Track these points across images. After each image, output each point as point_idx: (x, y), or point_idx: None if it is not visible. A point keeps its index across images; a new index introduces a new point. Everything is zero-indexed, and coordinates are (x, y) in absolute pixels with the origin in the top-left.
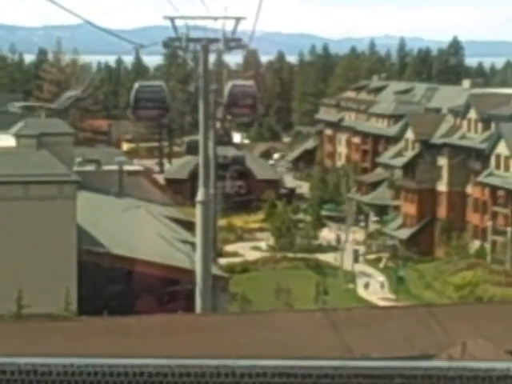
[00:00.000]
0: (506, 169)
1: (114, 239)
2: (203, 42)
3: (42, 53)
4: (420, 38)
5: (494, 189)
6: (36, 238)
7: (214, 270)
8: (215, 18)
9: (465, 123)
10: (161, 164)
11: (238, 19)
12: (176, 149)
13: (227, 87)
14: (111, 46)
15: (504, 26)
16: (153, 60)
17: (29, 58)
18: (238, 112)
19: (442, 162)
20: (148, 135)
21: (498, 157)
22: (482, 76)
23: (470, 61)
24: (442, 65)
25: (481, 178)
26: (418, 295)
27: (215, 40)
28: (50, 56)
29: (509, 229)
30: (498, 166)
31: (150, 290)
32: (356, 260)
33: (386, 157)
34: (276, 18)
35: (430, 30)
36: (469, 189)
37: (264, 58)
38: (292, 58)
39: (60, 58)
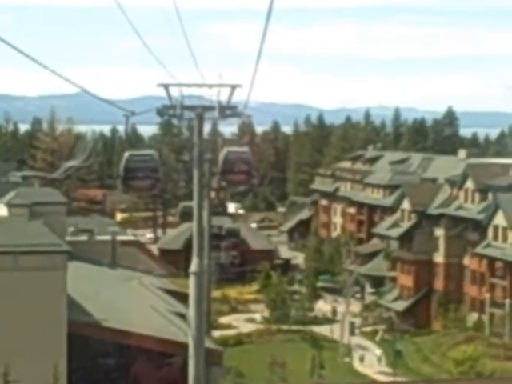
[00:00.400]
0: (504, 240)
1: (106, 311)
2: (198, 110)
3: (37, 122)
4: (414, 109)
5: (491, 260)
6: (24, 310)
7: (208, 344)
8: (210, 86)
9: (462, 193)
10: (155, 234)
11: (233, 87)
12: (170, 219)
13: (222, 154)
14: (107, 116)
15: (498, 97)
16: (148, 130)
17: (24, 128)
18: (233, 179)
19: (439, 232)
20: (142, 205)
21: (496, 228)
22: (477, 146)
23: (465, 131)
24: (437, 135)
25: (478, 250)
26: (415, 369)
27: (210, 108)
28: (45, 125)
29: (507, 301)
30: (495, 237)
31: (142, 364)
32: (352, 333)
33: (382, 227)
34: (271, 88)
35: (424, 100)
36: (466, 260)
37: (259, 129)
38: (287, 129)
39: (54, 127)
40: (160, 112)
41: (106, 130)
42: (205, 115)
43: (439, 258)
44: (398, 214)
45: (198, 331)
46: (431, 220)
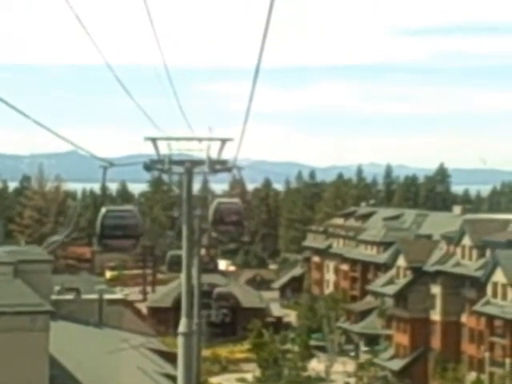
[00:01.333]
0: (504, 297)
1: (92, 374)
2: (187, 165)
3: (26, 179)
4: (405, 166)
5: (490, 318)
6: (4, 373)
7: None
8: (200, 139)
9: (459, 250)
10: (144, 292)
11: (223, 140)
12: (160, 276)
13: (212, 205)
14: (98, 174)
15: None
16: (138, 187)
17: (14, 185)
18: (223, 229)
19: (436, 290)
20: (132, 263)
21: (495, 285)
22: (469, 203)
23: (456, 188)
24: (429, 192)
25: (477, 308)
26: None
27: (199, 162)
28: (34, 183)
29: (508, 360)
30: (494, 295)
31: None
32: None
33: (376, 284)
34: (262, 146)
35: (414, 158)
36: (464, 318)
37: (250, 186)
38: (278, 186)
39: (43, 185)
40: (147, 166)
41: (97, 188)
42: (194, 170)
43: (436, 315)
44: (393, 271)
45: None
46: (427, 277)
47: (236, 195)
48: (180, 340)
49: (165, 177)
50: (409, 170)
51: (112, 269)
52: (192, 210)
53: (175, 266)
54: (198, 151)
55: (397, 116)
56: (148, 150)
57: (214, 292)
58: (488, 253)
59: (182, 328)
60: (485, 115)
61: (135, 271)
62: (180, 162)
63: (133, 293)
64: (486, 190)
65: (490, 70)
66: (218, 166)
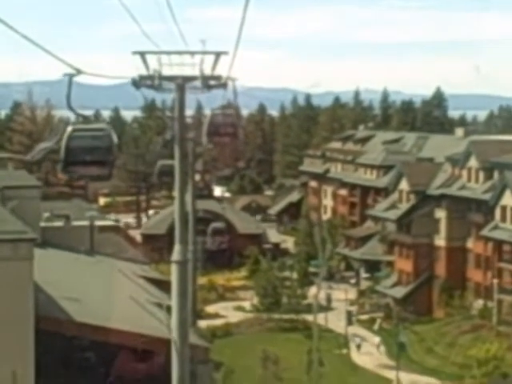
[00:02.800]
0: None
1: (80, 304)
2: (178, 80)
3: (17, 106)
4: (401, 92)
5: (499, 243)
6: None
7: (193, 339)
8: (192, 53)
9: (464, 172)
10: (138, 219)
11: (218, 54)
12: (155, 202)
13: (207, 117)
14: (91, 102)
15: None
16: (131, 114)
17: (5, 113)
18: (219, 140)
19: (440, 214)
20: (126, 189)
21: (504, 208)
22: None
23: (452, 113)
24: (426, 116)
25: (485, 232)
26: (419, 361)
27: (192, 78)
28: (25, 109)
29: None
30: (503, 219)
31: (122, 361)
32: (350, 322)
33: (378, 209)
34: (257, 73)
35: (410, 84)
36: (470, 243)
37: (245, 112)
38: (273, 112)
39: (33, 111)
40: (135, 83)
41: (90, 114)
42: (186, 86)
43: (440, 241)
44: (395, 195)
45: (182, 326)
46: (431, 201)
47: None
48: (174, 268)
49: (158, 101)
50: (405, 95)
51: (106, 195)
52: (185, 131)
53: (165, 176)
54: (190, 67)
55: (391, 42)
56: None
57: (209, 227)
58: (496, 175)
59: (175, 255)
60: (481, 41)
61: (129, 198)
62: (171, 78)
63: (127, 220)
64: (482, 115)
65: None
66: (212, 81)
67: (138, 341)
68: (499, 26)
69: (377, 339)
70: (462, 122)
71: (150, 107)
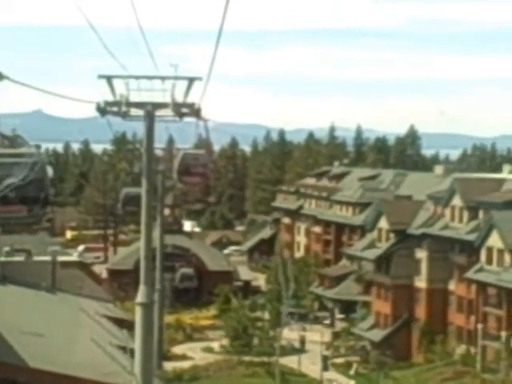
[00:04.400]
0: (500, 263)
1: (37, 348)
2: (147, 107)
3: None
4: (374, 130)
5: (484, 286)
6: None
7: None
8: (163, 78)
9: (448, 211)
10: (105, 253)
11: (191, 80)
12: (123, 237)
13: (178, 156)
14: (62, 135)
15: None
16: (101, 148)
17: None
18: (189, 180)
19: (421, 254)
20: (93, 222)
21: (490, 250)
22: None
23: (425, 152)
24: (400, 154)
25: (469, 274)
26: None
27: (162, 104)
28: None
29: (503, 333)
30: (489, 261)
31: None
32: (325, 368)
33: (355, 248)
34: (228, 109)
35: (382, 122)
36: (452, 285)
37: (217, 148)
38: (245, 148)
39: None
40: (100, 109)
41: (60, 148)
42: (156, 113)
43: (421, 282)
44: (374, 234)
45: (146, 374)
46: (412, 240)
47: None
48: (138, 311)
49: (129, 135)
50: (377, 133)
51: (73, 229)
52: (154, 162)
53: (130, 205)
54: (160, 93)
55: (365, 81)
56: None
57: (177, 273)
58: (481, 214)
59: (140, 297)
60: (451, 81)
61: (97, 231)
62: (140, 104)
63: (94, 254)
64: (454, 154)
65: (462, 35)
66: (184, 109)
67: None
68: (469, 68)
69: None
70: (435, 160)
71: (120, 140)
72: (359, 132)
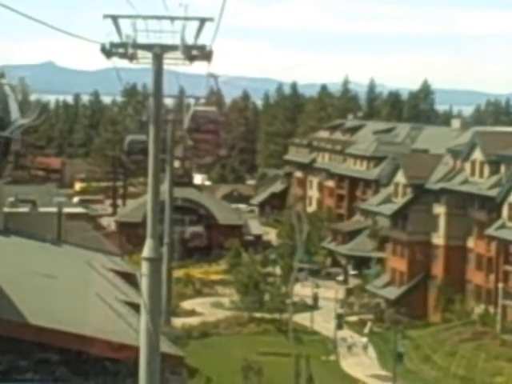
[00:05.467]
0: None
1: (40, 304)
2: (156, 49)
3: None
4: (384, 85)
5: (505, 244)
6: None
7: (165, 347)
8: (172, 19)
9: (468, 166)
10: (114, 205)
11: (202, 20)
12: (132, 189)
13: (189, 113)
14: (72, 87)
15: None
16: (111, 100)
17: None
18: (200, 138)
19: (439, 210)
20: (102, 174)
21: None
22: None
23: (437, 107)
24: (413, 109)
25: (490, 231)
26: (416, 371)
27: (171, 47)
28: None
29: None
30: (511, 218)
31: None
32: (340, 326)
33: (370, 203)
34: (239, 62)
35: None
36: (471, 242)
37: (228, 101)
38: (257, 101)
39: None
40: (105, 50)
41: (70, 99)
42: (165, 56)
43: (439, 239)
44: (390, 188)
45: (152, 333)
46: (430, 195)
47: (213, 104)
48: (144, 266)
49: (138, 85)
50: (390, 88)
51: (82, 180)
52: (162, 110)
53: (136, 154)
54: (169, 34)
55: (376, 35)
56: (125, 64)
57: (187, 232)
58: (503, 169)
59: (146, 251)
60: (468, 37)
61: (106, 183)
62: (147, 46)
63: (104, 205)
64: (467, 111)
65: None
66: (195, 51)
67: (102, 348)
68: (483, 23)
69: (363, 340)
70: (448, 115)
71: (130, 92)
72: (372, 86)
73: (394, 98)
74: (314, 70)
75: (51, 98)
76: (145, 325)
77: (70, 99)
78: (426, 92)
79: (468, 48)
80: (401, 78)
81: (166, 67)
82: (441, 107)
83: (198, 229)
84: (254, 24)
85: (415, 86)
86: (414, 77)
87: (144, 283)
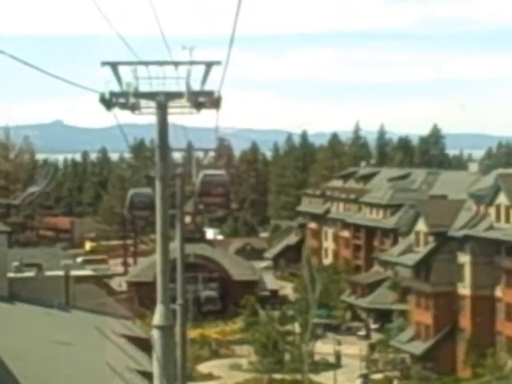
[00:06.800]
0: None
1: (43, 376)
2: (160, 98)
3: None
4: (392, 132)
5: None
6: None
7: None
8: (176, 64)
9: (492, 210)
10: (125, 265)
11: (208, 64)
12: (143, 247)
13: (199, 177)
14: (81, 146)
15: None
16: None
17: None
18: (210, 201)
19: (464, 258)
20: (112, 233)
21: None
22: (462, 167)
23: (447, 152)
24: (424, 154)
25: None
26: None
27: (176, 94)
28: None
29: None
30: None
31: None
32: None
33: (391, 253)
34: (247, 114)
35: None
36: (499, 291)
37: (237, 154)
38: (267, 153)
39: (8, 149)
40: (105, 101)
41: (78, 158)
42: (169, 105)
43: (465, 289)
44: (411, 238)
45: None
46: (454, 244)
47: (222, 166)
48: (155, 334)
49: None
50: (399, 135)
51: (92, 240)
52: (170, 165)
53: (139, 208)
54: (174, 80)
55: (383, 83)
56: (132, 119)
57: (200, 296)
58: None
59: (157, 319)
60: (467, 81)
61: (116, 242)
62: (150, 95)
63: (114, 265)
64: (478, 154)
65: (478, 36)
66: (202, 98)
67: None
68: (488, 67)
69: None
70: (460, 160)
71: (138, 147)
72: (382, 133)
73: (404, 143)
74: (322, 120)
75: (59, 157)
76: None
77: (78, 157)
78: (436, 137)
79: (474, 92)
80: (409, 125)
81: (172, 121)
82: (450, 151)
83: (213, 293)
84: (259, 76)
85: (424, 131)
86: (422, 123)
87: (155, 353)
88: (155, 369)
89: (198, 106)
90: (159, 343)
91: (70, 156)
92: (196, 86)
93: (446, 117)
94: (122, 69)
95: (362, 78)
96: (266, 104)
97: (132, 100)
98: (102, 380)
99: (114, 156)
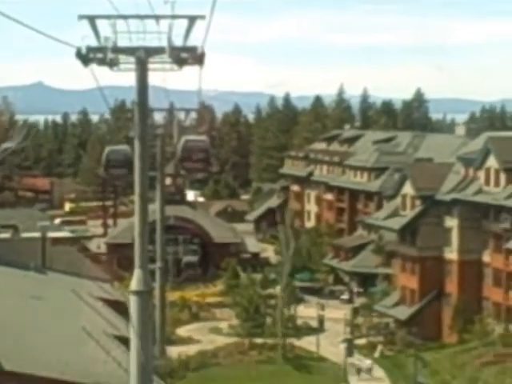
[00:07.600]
0: None
1: (16, 344)
2: (139, 54)
3: None
4: (376, 96)
5: None
6: None
7: None
8: (157, 17)
9: (482, 174)
10: (105, 226)
11: (191, 19)
12: (123, 208)
13: (180, 142)
14: (62, 107)
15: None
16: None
17: None
18: (191, 166)
19: (452, 222)
20: (92, 194)
21: None
22: (446, 130)
23: (431, 116)
24: (407, 117)
25: (510, 245)
26: None
27: (157, 50)
28: None
29: None
30: None
31: None
32: (350, 353)
33: (377, 217)
34: (230, 77)
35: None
36: (487, 256)
37: (219, 117)
38: (249, 115)
39: None
40: (82, 55)
41: (59, 119)
42: (150, 61)
43: (452, 254)
44: (397, 201)
45: (143, 375)
46: (441, 207)
47: (203, 132)
48: (132, 300)
49: (128, 102)
50: (380, 99)
51: (71, 201)
52: (148, 120)
53: (116, 166)
54: (155, 35)
55: (368, 47)
56: (116, 82)
57: (181, 261)
58: None
59: (134, 284)
60: (449, 46)
61: (96, 203)
62: (129, 50)
63: (94, 226)
64: (461, 118)
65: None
66: (184, 54)
67: None
68: (471, 32)
69: (367, 362)
70: (443, 124)
71: (118, 109)
72: (365, 96)
73: (388, 107)
74: (305, 84)
75: (40, 118)
76: (135, 365)
77: (58, 119)
78: (419, 101)
79: (457, 57)
80: (392, 89)
81: (154, 83)
82: (434, 116)
83: (193, 258)
84: (242, 39)
85: (407, 95)
86: (405, 87)
87: (133, 317)
88: (132, 335)
89: (181, 62)
90: (136, 309)
91: (50, 117)
92: (178, 42)
93: (429, 82)
94: (100, 23)
95: (345, 42)
96: (249, 67)
97: (110, 55)
98: (77, 347)
99: (94, 118)
